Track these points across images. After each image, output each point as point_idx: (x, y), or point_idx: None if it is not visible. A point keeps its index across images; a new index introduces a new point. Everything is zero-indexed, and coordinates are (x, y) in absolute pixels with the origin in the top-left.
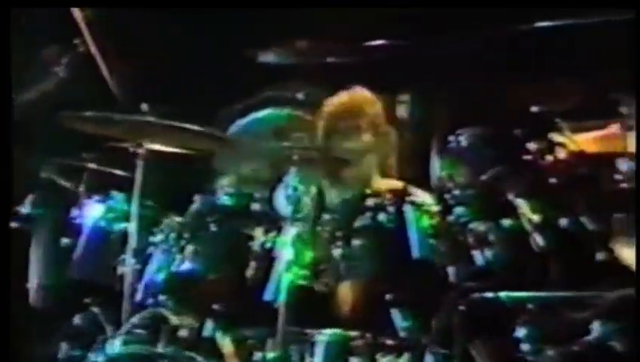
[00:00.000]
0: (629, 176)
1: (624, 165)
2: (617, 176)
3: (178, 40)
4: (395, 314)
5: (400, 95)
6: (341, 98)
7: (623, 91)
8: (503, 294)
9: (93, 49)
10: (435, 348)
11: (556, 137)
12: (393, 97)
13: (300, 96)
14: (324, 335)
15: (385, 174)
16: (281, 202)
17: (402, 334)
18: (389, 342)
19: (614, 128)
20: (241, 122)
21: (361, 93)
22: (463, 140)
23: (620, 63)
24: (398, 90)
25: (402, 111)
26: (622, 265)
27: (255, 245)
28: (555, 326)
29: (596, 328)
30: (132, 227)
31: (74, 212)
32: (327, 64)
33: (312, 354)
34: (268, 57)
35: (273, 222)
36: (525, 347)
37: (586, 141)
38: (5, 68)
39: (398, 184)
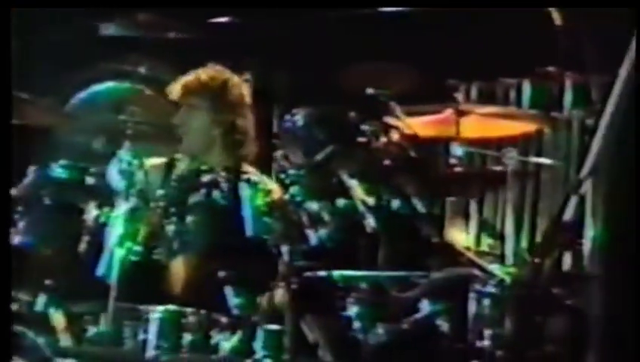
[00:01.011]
0: (462, 160)
1: (457, 150)
2: (451, 160)
3: (21, 13)
4: (228, 291)
5: (243, 74)
6: (191, 75)
7: (458, 78)
8: (335, 273)
9: None
10: (267, 325)
11: (390, 120)
12: (237, 76)
13: (141, 70)
14: (158, 312)
15: (224, 152)
16: (115, 176)
17: (235, 311)
18: (223, 319)
19: (448, 113)
20: (81, 95)
21: (211, 71)
22: (299, 120)
23: (459, 50)
24: (241, 68)
25: (245, 89)
26: (451, 246)
27: (88, 219)
28: (385, 305)
29: (424, 307)
30: None
31: None
32: (170, 39)
33: (145, 331)
34: (109, 30)
35: (107, 197)
36: (356, 324)
37: (420, 125)
38: (5, 68)
39: (234, 162)
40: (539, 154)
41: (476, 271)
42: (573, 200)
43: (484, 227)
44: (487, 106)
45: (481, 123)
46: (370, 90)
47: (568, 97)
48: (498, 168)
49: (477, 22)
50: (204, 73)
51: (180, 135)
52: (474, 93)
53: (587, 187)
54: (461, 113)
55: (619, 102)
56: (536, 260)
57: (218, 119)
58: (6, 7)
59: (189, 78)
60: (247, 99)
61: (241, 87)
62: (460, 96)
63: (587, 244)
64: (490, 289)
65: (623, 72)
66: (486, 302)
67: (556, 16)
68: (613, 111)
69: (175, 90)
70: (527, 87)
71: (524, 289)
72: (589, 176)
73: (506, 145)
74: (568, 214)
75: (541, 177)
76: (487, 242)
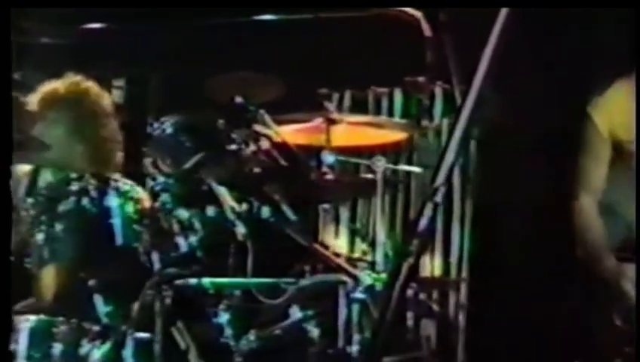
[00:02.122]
0: (333, 168)
1: (328, 158)
2: (323, 168)
3: None
4: (98, 300)
5: (115, 80)
6: (54, 85)
7: (330, 86)
8: (205, 280)
9: None
10: (136, 333)
11: (260, 128)
12: (108, 82)
13: (15, 76)
14: (28, 321)
15: (94, 160)
16: None
17: (105, 320)
18: (95, 327)
19: (319, 122)
20: None
21: (70, 81)
22: (168, 127)
23: (331, 59)
24: (113, 75)
25: (117, 96)
26: (321, 252)
27: None
28: (255, 312)
29: (294, 313)
30: None
31: None
32: (45, 45)
33: (16, 341)
34: None
35: None
36: (227, 331)
37: (291, 133)
38: (5, 68)
39: (105, 169)
40: (409, 163)
41: (345, 277)
42: (429, 208)
43: (357, 233)
44: (357, 115)
45: (352, 131)
46: (239, 99)
47: (438, 106)
48: (369, 176)
49: (349, 30)
50: (62, 84)
51: (42, 146)
52: (346, 101)
53: (442, 195)
54: (332, 121)
55: (472, 112)
56: (397, 266)
57: (79, 130)
58: (6, 8)
59: (46, 88)
60: (110, 108)
61: (103, 96)
62: (331, 104)
63: (454, 250)
64: (360, 295)
65: (476, 82)
66: (355, 307)
67: (425, 27)
68: (466, 121)
69: (33, 101)
70: (398, 96)
71: (391, 295)
72: (443, 184)
73: (376, 153)
74: (423, 222)
75: (411, 185)
76: (360, 248)
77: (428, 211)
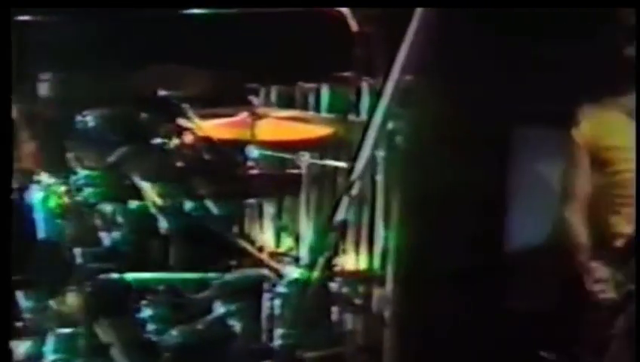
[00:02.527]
0: (258, 162)
1: (253, 152)
2: (248, 163)
3: None
4: (19, 296)
5: (42, 73)
6: None
7: (255, 81)
8: (129, 275)
9: None
10: (59, 328)
11: (184, 122)
12: (35, 76)
13: None
14: None
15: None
16: None
17: (27, 315)
18: (18, 324)
19: (244, 116)
20: None
21: None
22: (91, 121)
23: (259, 54)
24: (40, 69)
25: (44, 90)
26: (244, 247)
27: None
28: (179, 306)
29: (218, 308)
30: None
31: None
32: None
33: None
34: None
35: None
36: (150, 326)
37: (216, 127)
38: (5, 68)
39: (25, 164)
40: (336, 158)
41: (269, 272)
42: (345, 202)
43: (283, 229)
44: (283, 110)
45: (278, 126)
46: (163, 92)
47: (365, 102)
48: (294, 171)
49: (276, 25)
50: None
51: None
52: (273, 96)
53: (359, 189)
54: (257, 116)
55: (389, 106)
56: (320, 260)
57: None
58: (6, 8)
59: None
60: (46, 99)
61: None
62: (257, 99)
63: (380, 245)
64: (283, 289)
65: (394, 74)
66: (278, 302)
67: (352, 23)
68: (383, 115)
69: None
70: (325, 92)
71: (314, 289)
72: (360, 178)
73: (302, 148)
74: (340, 215)
75: (337, 179)
76: (286, 243)
77: (344, 205)
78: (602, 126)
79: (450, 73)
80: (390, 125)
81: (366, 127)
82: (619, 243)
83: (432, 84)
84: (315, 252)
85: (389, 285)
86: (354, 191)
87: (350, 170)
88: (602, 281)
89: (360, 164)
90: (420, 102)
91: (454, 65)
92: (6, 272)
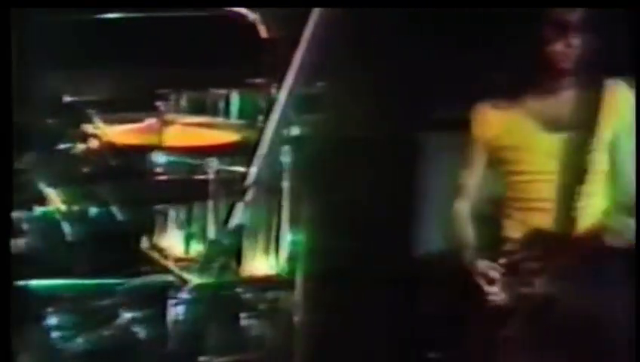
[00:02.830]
0: (165, 168)
1: (161, 158)
2: (155, 169)
3: None
4: None
5: None
6: None
7: (165, 87)
8: (34, 282)
9: None
10: None
11: (89, 128)
12: None
13: None
14: None
15: None
16: None
17: None
18: None
19: (152, 122)
20: None
21: None
22: None
23: (171, 60)
24: None
25: None
26: (150, 253)
27: None
28: (84, 313)
29: (123, 314)
30: None
31: None
32: None
33: None
34: None
35: None
36: (56, 334)
37: (123, 133)
38: (5, 68)
39: None
40: (244, 164)
41: (174, 278)
42: (240, 207)
43: (190, 235)
44: (192, 116)
45: (186, 132)
46: (67, 98)
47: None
48: (202, 176)
49: (187, 30)
50: None
51: None
52: (183, 102)
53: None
54: (165, 122)
55: (287, 112)
56: (215, 266)
57: None
58: (6, 8)
59: None
60: None
61: None
62: (165, 105)
63: (285, 250)
64: (187, 296)
65: (287, 82)
66: (183, 308)
67: (262, 29)
68: (279, 121)
69: None
70: (235, 98)
71: (218, 295)
72: (254, 184)
73: (210, 154)
74: (234, 221)
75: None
76: (194, 250)
77: (238, 211)
78: (502, 125)
79: (356, 77)
80: (295, 130)
81: (260, 133)
82: (509, 246)
83: (337, 88)
84: (211, 258)
85: (298, 290)
86: (248, 197)
87: (243, 177)
88: (495, 283)
89: (254, 169)
90: (326, 106)
91: (359, 69)
92: None
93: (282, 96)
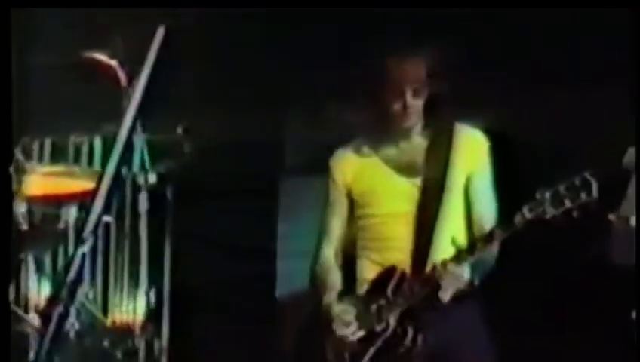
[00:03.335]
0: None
1: (20, 207)
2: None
3: None
4: None
5: None
6: None
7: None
8: None
9: None
10: None
11: None
12: None
13: None
14: None
15: None
16: None
17: None
18: None
19: (10, 171)
20: None
21: None
22: None
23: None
24: None
25: None
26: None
27: None
28: None
29: None
30: None
31: None
32: None
33: None
34: None
35: None
36: None
37: None
38: (5, 68)
39: None
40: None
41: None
42: (78, 256)
43: (51, 282)
44: (50, 165)
45: (44, 181)
46: None
47: (137, 154)
48: (61, 226)
49: (48, 77)
50: None
51: None
52: (46, 149)
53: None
54: (23, 171)
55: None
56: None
57: None
58: (6, 8)
59: None
60: None
61: None
62: (20, 153)
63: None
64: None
65: (123, 132)
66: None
67: (121, 76)
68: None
69: None
70: (98, 144)
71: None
72: (91, 233)
73: (68, 202)
74: (74, 269)
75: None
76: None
77: (77, 260)
78: (358, 170)
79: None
80: (152, 177)
81: (99, 180)
82: (364, 287)
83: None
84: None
85: (164, 335)
86: (86, 247)
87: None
88: (349, 324)
89: (92, 220)
90: (183, 154)
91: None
92: None
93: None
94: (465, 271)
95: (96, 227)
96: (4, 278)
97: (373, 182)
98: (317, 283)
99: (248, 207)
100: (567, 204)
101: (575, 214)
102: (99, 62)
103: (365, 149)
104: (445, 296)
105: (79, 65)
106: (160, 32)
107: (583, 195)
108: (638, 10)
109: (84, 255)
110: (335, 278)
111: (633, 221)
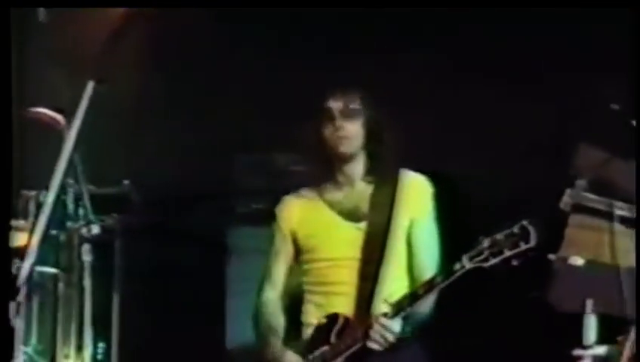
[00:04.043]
0: None
1: None
2: None
3: None
4: None
5: None
6: None
7: None
8: None
9: None
10: None
11: None
12: None
13: None
14: None
15: None
16: None
17: None
18: None
19: None
20: None
21: None
22: None
23: None
24: None
25: None
26: None
27: None
28: None
29: None
30: None
31: None
32: None
33: None
34: None
35: None
36: None
37: None
38: (5, 68)
39: None
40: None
41: None
42: (13, 308)
43: None
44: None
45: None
46: None
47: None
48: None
49: None
50: None
51: None
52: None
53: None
54: None
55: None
56: None
57: None
58: (6, 8)
59: None
60: None
61: None
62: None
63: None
64: None
65: (55, 183)
66: None
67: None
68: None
69: None
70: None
71: None
72: (25, 284)
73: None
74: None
75: (57, 285)
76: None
77: (12, 312)
78: (303, 215)
79: (161, 174)
80: (95, 229)
81: (30, 232)
82: (309, 331)
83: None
84: None
85: None
86: (19, 298)
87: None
88: None
89: (24, 271)
90: (130, 205)
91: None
92: None
93: (50, 197)
94: (396, 325)
95: (28, 278)
96: None
97: (317, 226)
98: (261, 327)
99: (194, 258)
100: (506, 252)
101: (514, 262)
102: (44, 116)
103: (310, 194)
104: (375, 346)
105: (23, 116)
106: (90, 86)
107: (522, 244)
108: (638, 10)
109: (18, 303)
110: (279, 322)
111: (572, 261)
